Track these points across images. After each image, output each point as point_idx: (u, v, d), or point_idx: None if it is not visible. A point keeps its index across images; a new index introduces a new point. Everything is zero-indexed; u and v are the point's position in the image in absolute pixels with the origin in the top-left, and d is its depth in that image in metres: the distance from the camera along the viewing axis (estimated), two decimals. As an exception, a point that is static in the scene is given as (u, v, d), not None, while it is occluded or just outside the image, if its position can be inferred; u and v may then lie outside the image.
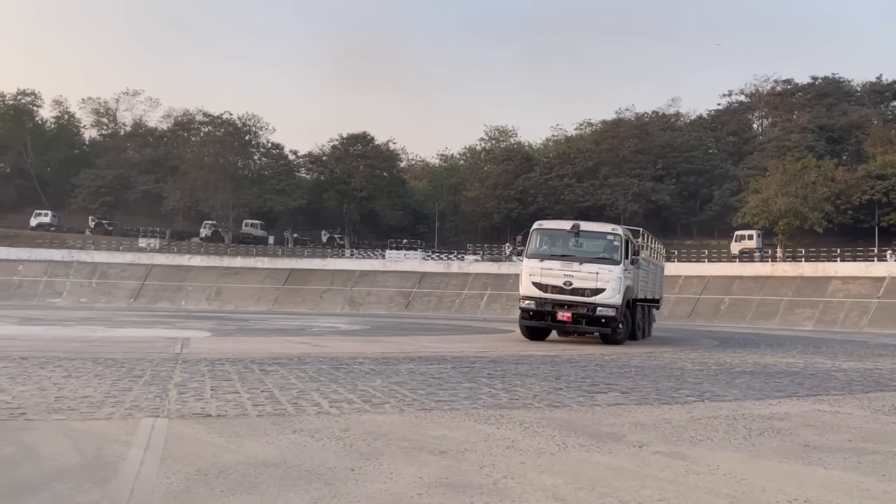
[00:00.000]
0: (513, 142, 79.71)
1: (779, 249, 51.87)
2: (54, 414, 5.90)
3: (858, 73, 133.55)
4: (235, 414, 6.12)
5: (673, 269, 35.73)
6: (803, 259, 48.83)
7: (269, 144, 71.10)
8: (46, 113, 77.53)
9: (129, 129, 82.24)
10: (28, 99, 73.41)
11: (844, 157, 64.98)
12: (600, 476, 4.35)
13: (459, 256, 58.45)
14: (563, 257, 17.68)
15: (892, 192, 53.60)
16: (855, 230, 54.73)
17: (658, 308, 24.53)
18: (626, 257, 17.68)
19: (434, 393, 7.75)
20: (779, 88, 76.56)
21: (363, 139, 69.70)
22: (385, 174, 69.62)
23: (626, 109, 74.60)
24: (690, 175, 66.30)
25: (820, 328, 38.77)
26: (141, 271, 54.74)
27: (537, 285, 17.68)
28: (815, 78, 75.62)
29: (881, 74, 76.34)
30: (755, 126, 79.98)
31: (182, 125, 74.91)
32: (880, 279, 42.76)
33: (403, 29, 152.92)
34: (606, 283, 17.16)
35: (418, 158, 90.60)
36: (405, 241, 65.04)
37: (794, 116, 72.15)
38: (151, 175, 70.53)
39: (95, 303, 49.21)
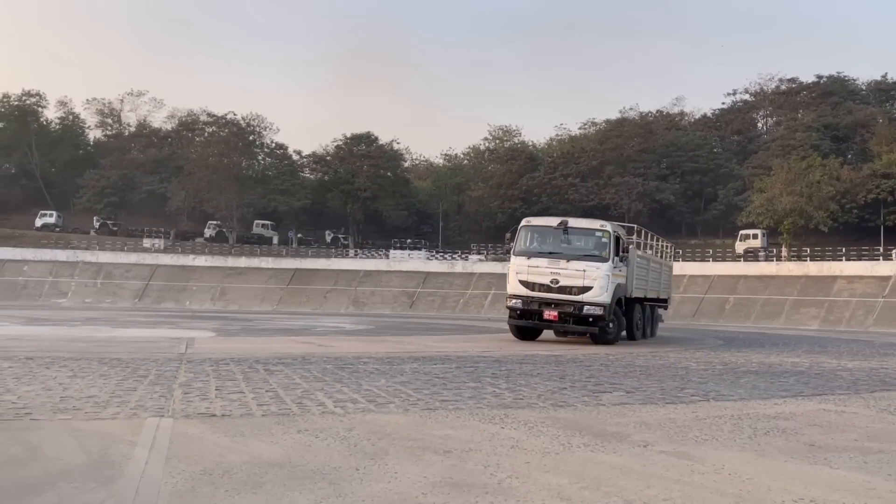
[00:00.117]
0: (517, 141, 79.48)
1: (784, 249, 51.72)
2: (60, 414, 5.92)
3: (863, 72, 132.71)
4: (240, 414, 6.13)
5: (677, 268, 35.55)
6: (808, 258, 48.63)
7: (273, 144, 71.25)
8: (51, 114, 77.80)
9: (133, 129, 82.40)
10: (33, 100, 73.50)
11: (849, 156, 64.82)
12: (605, 475, 4.34)
13: (463, 256, 58.38)
14: (550, 255, 17.21)
15: (898, 190, 53.46)
16: (860, 229, 54.56)
17: (665, 308, 23.92)
18: (617, 254, 17.20)
19: (438, 392, 7.75)
20: (783, 87, 76.17)
21: (367, 139, 69.69)
22: (389, 174, 69.57)
23: (630, 109, 74.47)
24: (695, 174, 66.12)
25: (825, 328, 38.62)
26: (145, 271, 54.83)
27: (524, 283, 17.26)
28: (819, 76, 75.29)
29: (886, 73, 75.91)
30: (760, 125, 79.65)
31: (186, 125, 75.17)
32: (886, 278, 42.58)
33: (407, 29, 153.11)
34: (594, 281, 16.69)
35: (422, 158, 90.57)
36: (409, 240, 64.95)
37: (799, 115, 71.81)
38: (156, 175, 70.66)
39: (100, 303, 49.29)
